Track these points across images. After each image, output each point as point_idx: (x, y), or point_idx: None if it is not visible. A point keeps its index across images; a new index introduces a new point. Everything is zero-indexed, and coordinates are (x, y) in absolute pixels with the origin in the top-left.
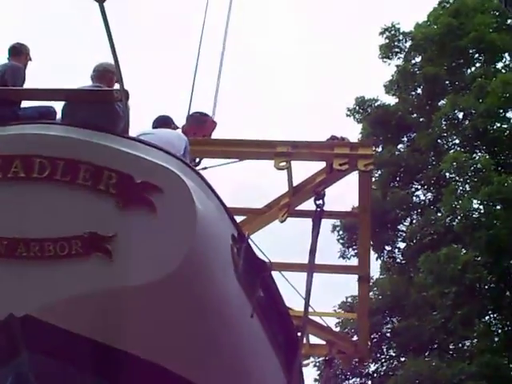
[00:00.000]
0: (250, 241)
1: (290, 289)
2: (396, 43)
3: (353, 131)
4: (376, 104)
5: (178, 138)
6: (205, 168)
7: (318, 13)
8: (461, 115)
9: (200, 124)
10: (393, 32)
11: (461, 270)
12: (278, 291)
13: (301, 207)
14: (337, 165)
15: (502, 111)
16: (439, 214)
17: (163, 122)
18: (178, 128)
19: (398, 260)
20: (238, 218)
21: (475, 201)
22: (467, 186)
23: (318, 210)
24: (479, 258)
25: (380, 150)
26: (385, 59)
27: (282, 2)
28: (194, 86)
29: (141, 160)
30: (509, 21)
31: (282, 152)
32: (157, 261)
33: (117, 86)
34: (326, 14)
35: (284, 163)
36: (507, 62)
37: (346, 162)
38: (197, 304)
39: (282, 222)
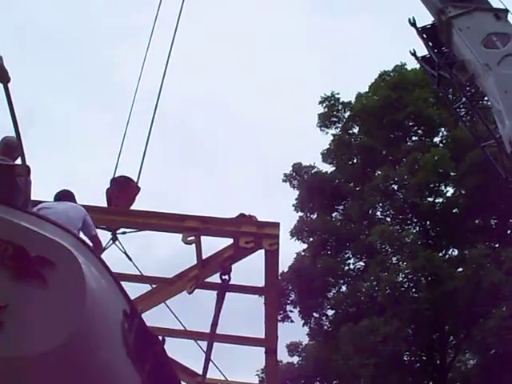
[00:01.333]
0: (142, 316)
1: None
2: (335, 113)
3: (289, 197)
4: (313, 171)
5: (77, 212)
6: (124, 233)
7: (259, 76)
8: (395, 187)
9: (123, 188)
10: (332, 101)
11: (381, 342)
12: (171, 365)
13: (210, 279)
14: (243, 242)
15: (434, 185)
16: (367, 284)
17: (64, 195)
18: (77, 203)
19: (326, 327)
20: (149, 287)
21: (401, 274)
22: (394, 258)
23: (223, 284)
24: (402, 331)
25: (314, 216)
26: (323, 128)
27: (214, 67)
28: (121, 150)
29: (36, 234)
30: None
31: (190, 227)
32: (45, 333)
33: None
34: (267, 79)
35: (192, 238)
36: (444, 136)
37: (251, 241)
38: (84, 377)
39: (189, 293)
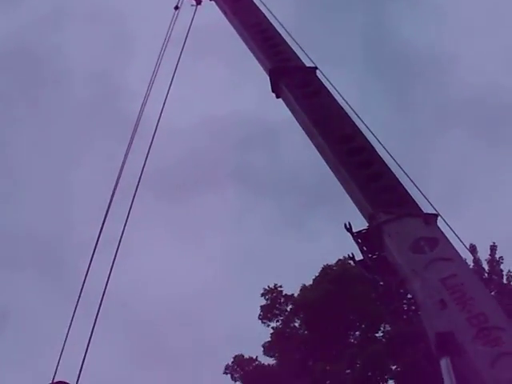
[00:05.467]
0: None
1: None
2: (277, 305)
3: None
4: (255, 364)
5: None
6: None
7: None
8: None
9: None
10: (275, 294)
11: None
12: None
13: None
14: None
15: (375, 380)
16: None
17: None
18: None
19: None
20: None
21: None
22: None
23: None
24: None
25: None
26: (264, 320)
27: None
28: (62, 352)
29: None
30: None
31: None
32: None
33: None
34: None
35: None
36: (386, 331)
37: None
38: None
39: None
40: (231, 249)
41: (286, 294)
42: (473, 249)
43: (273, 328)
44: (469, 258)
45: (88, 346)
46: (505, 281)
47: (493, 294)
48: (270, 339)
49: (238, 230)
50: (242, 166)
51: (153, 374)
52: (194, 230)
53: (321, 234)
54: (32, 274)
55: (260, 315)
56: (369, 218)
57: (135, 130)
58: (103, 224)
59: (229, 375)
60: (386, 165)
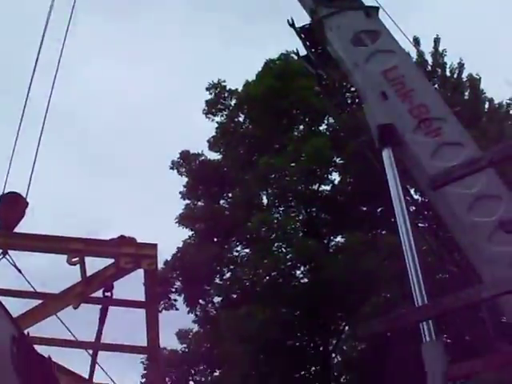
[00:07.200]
0: (29, 339)
1: None
2: (222, 100)
3: (176, 184)
4: (200, 159)
5: None
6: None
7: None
8: (277, 175)
9: (12, 204)
10: (219, 89)
11: (258, 329)
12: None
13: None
14: (123, 263)
15: (320, 173)
16: (246, 271)
17: None
18: None
19: (212, 314)
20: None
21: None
22: (275, 246)
23: (106, 299)
24: (279, 318)
25: (202, 204)
26: (209, 115)
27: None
28: (10, 166)
29: None
30: None
31: (74, 249)
32: None
33: None
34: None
35: (76, 259)
36: (329, 125)
37: (131, 261)
38: None
39: (75, 308)
40: (178, 60)
41: (230, 89)
42: (416, 41)
43: (217, 123)
44: (412, 51)
45: (36, 155)
46: (448, 73)
47: (436, 86)
48: (214, 134)
49: (184, 43)
50: None
51: (104, 182)
52: (140, 45)
53: (266, 40)
54: None
55: (205, 110)
56: (310, 12)
57: None
58: (42, 41)
59: (175, 171)
60: None
